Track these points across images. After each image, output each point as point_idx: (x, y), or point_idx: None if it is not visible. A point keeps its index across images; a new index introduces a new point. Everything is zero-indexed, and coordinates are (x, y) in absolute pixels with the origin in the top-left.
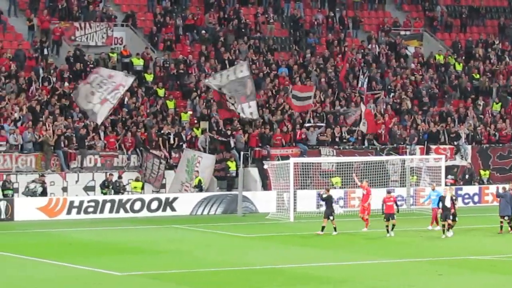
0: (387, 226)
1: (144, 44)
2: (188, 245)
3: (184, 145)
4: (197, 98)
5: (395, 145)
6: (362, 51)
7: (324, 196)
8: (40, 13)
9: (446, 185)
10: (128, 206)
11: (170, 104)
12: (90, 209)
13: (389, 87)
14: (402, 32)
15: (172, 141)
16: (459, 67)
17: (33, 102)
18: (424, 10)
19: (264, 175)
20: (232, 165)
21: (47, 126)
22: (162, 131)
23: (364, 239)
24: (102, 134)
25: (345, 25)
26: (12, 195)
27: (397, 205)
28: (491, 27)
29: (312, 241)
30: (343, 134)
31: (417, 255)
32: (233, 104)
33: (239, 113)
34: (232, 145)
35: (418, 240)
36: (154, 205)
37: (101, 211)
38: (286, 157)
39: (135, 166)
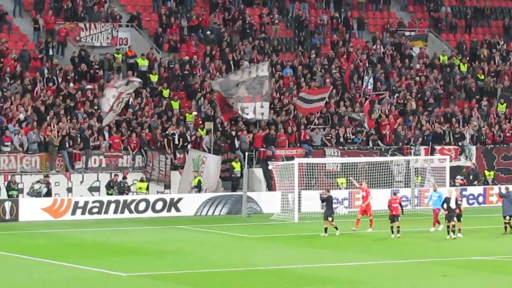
0: (392, 227)
1: (149, 45)
2: (192, 245)
3: (189, 146)
4: (202, 98)
5: (399, 145)
6: (367, 51)
7: (324, 196)
8: (45, 14)
9: (455, 185)
10: (132, 206)
11: (175, 105)
12: (95, 210)
13: (393, 87)
14: (407, 33)
15: (176, 142)
16: (463, 68)
17: (38, 103)
18: (429, 11)
19: (268, 175)
20: (236, 165)
21: (52, 126)
22: (166, 132)
23: (368, 240)
24: (106, 134)
25: (350, 26)
26: (17, 196)
27: (401, 206)
28: (495, 28)
29: (317, 241)
30: (348, 135)
31: (421, 256)
32: (233, 104)
33: (240, 114)
34: (237, 145)
35: (423, 241)
36: (159, 205)
37: (106, 212)
38: (290, 158)
39: (139, 166)
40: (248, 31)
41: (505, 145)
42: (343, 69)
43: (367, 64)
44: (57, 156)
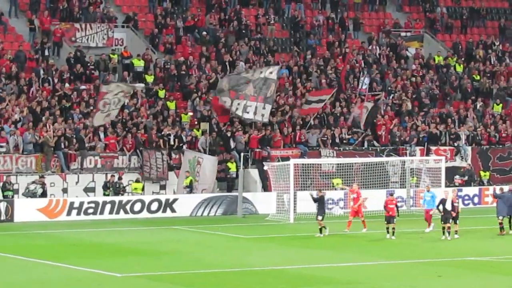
0: (387, 228)
1: (145, 45)
2: (188, 246)
3: (184, 146)
4: (198, 99)
5: (395, 146)
6: (363, 52)
7: (316, 197)
8: (41, 14)
9: (455, 185)
10: (128, 207)
11: (171, 105)
12: (90, 210)
13: (389, 88)
14: (403, 33)
15: (172, 142)
16: (459, 68)
17: (34, 104)
18: (424, 12)
19: (264, 176)
20: (232, 166)
21: (47, 127)
22: (162, 132)
23: (364, 240)
24: (102, 135)
25: (345, 27)
26: (12, 196)
27: (397, 208)
28: (491, 29)
29: (313, 242)
30: (343, 135)
31: (416, 256)
32: (229, 107)
33: (237, 114)
34: (232, 146)
35: (418, 241)
36: (154, 206)
37: (101, 212)
38: (286, 158)
39: (135, 167)
40: (244, 31)
41: (500, 146)
42: (338, 69)
43: (363, 65)
44: (52, 156)
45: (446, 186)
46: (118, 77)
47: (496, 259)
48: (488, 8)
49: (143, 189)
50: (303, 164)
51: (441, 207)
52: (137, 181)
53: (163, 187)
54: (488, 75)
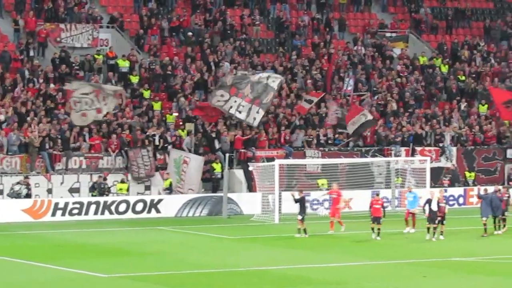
0: (372, 228)
1: (130, 46)
2: (173, 247)
3: (169, 147)
4: (183, 99)
5: (380, 146)
6: (348, 53)
7: (297, 197)
8: (26, 15)
9: (442, 186)
10: (113, 208)
11: (156, 106)
12: (75, 211)
13: (374, 89)
14: (388, 34)
15: (157, 143)
16: (444, 69)
17: (18, 104)
18: (410, 12)
19: (249, 176)
20: (217, 166)
21: (32, 127)
22: (147, 133)
23: (349, 241)
24: (87, 135)
25: (331, 27)
26: None
27: (384, 208)
28: (476, 29)
29: (297, 242)
30: (329, 136)
31: (401, 257)
32: (224, 104)
33: (229, 112)
34: (217, 146)
35: (403, 242)
36: (139, 206)
37: (86, 213)
38: (271, 159)
39: (120, 168)
40: (229, 32)
41: (485, 146)
42: (324, 70)
43: (348, 65)
44: (37, 157)
45: (431, 186)
46: (103, 77)
47: (481, 260)
48: (473, 9)
49: (128, 189)
50: (288, 165)
51: (427, 207)
52: (122, 181)
53: (148, 188)
54: (473, 75)
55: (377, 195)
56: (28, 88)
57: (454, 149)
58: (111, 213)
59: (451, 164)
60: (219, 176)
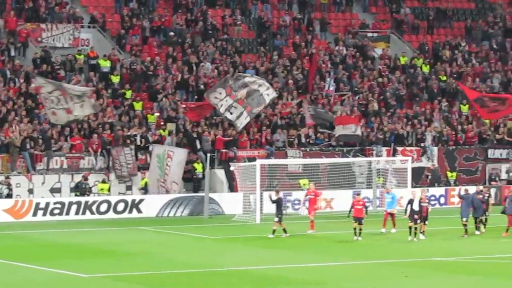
0: (355, 228)
1: (111, 46)
2: (154, 247)
3: (151, 147)
4: (164, 99)
5: (361, 146)
6: (329, 53)
7: (274, 198)
8: (7, 14)
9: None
10: (94, 208)
11: (137, 106)
12: (56, 211)
13: (356, 89)
14: (369, 34)
15: (138, 142)
16: (426, 69)
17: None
18: (391, 12)
19: (230, 176)
20: (198, 166)
21: (13, 127)
22: (128, 133)
23: (330, 241)
24: (68, 135)
25: (313, 27)
26: None
27: (366, 208)
28: (458, 29)
29: (279, 243)
30: (310, 136)
31: (383, 257)
32: (219, 102)
33: (220, 110)
34: (198, 147)
35: (384, 242)
36: (120, 207)
37: (67, 213)
38: (252, 159)
39: (101, 168)
40: (210, 32)
41: (466, 146)
42: (305, 70)
43: (329, 65)
44: (18, 157)
45: (413, 186)
46: (84, 77)
47: (462, 259)
48: (454, 9)
49: (109, 189)
50: (269, 165)
51: (409, 207)
52: (103, 181)
53: (129, 188)
54: (455, 75)
55: (358, 195)
56: (9, 88)
57: (435, 149)
58: (92, 213)
59: (431, 164)
60: (201, 176)
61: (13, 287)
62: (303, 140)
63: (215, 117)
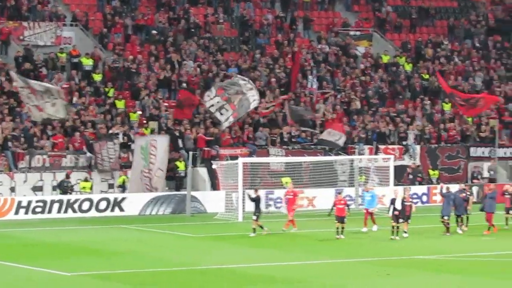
0: (337, 228)
1: (94, 44)
2: (136, 245)
3: (132, 145)
4: (146, 98)
5: (344, 145)
6: (312, 51)
7: (253, 196)
8: None
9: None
10: (76, 206)
11: (120, 104)
12: (38, 209)
13: (338, 87)
14: (352, 33)
15: (121, 140)
16: (408, 67)
17: None
18: (373, 11)
19: (213, 175)
20: (180, 165)
21: None
22: (111, 131)
23: (313, 239)
24: (50, 134)
25: (296, 25)
26: None
27: (348, 207)
28: (440, 28)
29: (261, 241)
30: (292, 134)
31: (365, 255)
32: (209, 100)
33: (209, 108)
34: (181, 145)
35: (366, 240)
36: (103, 205)
37: (49, 211)
38: (235, 157)
39: (83, 166)
40: (193, 30)
41: (449, 145)
42: (287, 68)
43: (312, 64)
44: (0, 155)
45: (395, 184)
46: (66, 75)
47: (444, 258)
48: (437, 8)
49: (91, 188)
50: (251, 163)
51: (392, 206)
52: (85, 180)
53: (111, 186)
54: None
55: (339, 193)
56: None
57: (417, 147)
58: (74, 211)
59: (412, 163)
60: (183, 174)
61: None
62: (285, 138)
63: (197, 115)
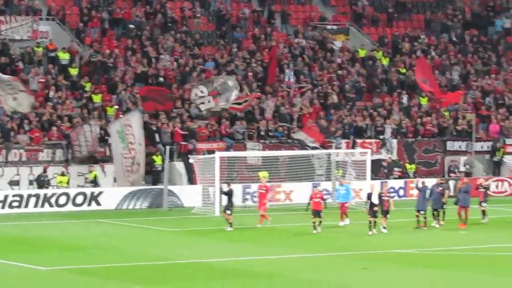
0: (314, 222)
1: (70, 38)
2: (113, 239)
3: (110, 139)
4: (123, 92)
5: None
6: (289, 45)
7: (225, 190)
8: None
9: (394, 177)
10: (53, 200)
11: (96, 98)
12: (15, 204)
13: (315, 81)
14: (329, 27)
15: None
16: (385, 61)
17: None
18: (350, 5)
19: (189, 169)
20: (157, 159)
21: None
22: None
23: (289, 233)
24: (27, 128)
25: (273, 19)
26: None
27: (324, 200)
28: (417, 22)
29: (238, 235)
30: (269, 128)
31: (342, 249)
32: (198, 99)
33: (196, 102)
34: (158, 139)
35: (343, 234)
36: (79, 199)
37: (26, 206)
38: (212, 151)
39: (60, 160)
40: (169, 24)
41: (426, 139)
42: (264, 62)
43: (289, 58)
44: None
45: (372, 179)
46: (43, 70)
47: (420, 252)
48: (413, 1)
49: (68, 182)
50: (228, 157)
51: (368, 201)
52: (62, 174)
53: (95, 183)
54: (414, 68)
55: (316, 187)
56: None
57: (394, 141)
58: (51, 205)
59: (388, 157)
60: (160, 168)
61: None
62: (262, 132)
63: (174, 110)
